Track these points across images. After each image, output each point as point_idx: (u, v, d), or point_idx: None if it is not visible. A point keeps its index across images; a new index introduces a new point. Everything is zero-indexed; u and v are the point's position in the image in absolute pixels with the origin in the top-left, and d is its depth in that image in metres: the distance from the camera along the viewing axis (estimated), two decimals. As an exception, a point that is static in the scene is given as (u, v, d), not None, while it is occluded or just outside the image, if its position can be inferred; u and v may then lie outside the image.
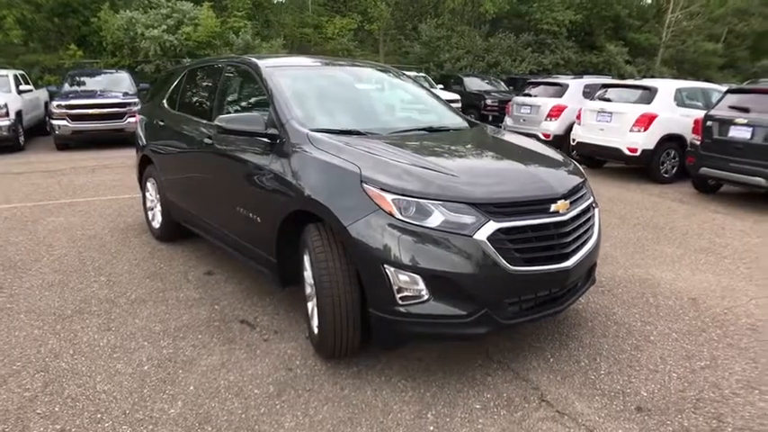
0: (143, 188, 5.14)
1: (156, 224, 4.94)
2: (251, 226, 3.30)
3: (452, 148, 3.18)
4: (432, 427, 2.36)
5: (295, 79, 3.53)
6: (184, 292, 3.79)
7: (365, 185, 2.53)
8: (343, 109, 3.52)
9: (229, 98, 3.86)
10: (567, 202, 2.78)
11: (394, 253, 2.42)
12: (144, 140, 4.98)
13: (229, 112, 3.77)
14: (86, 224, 5.47)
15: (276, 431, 2.31)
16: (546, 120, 9.88)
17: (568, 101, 9.78)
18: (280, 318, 3.40)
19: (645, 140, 7.75)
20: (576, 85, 10.09)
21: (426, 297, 2.45)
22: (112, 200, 6.57)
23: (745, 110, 6.32)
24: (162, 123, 4.58)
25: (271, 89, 3.34)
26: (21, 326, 3.27)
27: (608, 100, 8.49)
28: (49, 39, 15.29)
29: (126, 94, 11.33)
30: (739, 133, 6.22)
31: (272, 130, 3.13)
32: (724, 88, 7.91)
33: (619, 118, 8.07)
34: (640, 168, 8.37)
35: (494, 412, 2.48)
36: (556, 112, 9.74)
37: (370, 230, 2.46)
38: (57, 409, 2.46)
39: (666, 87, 8.09)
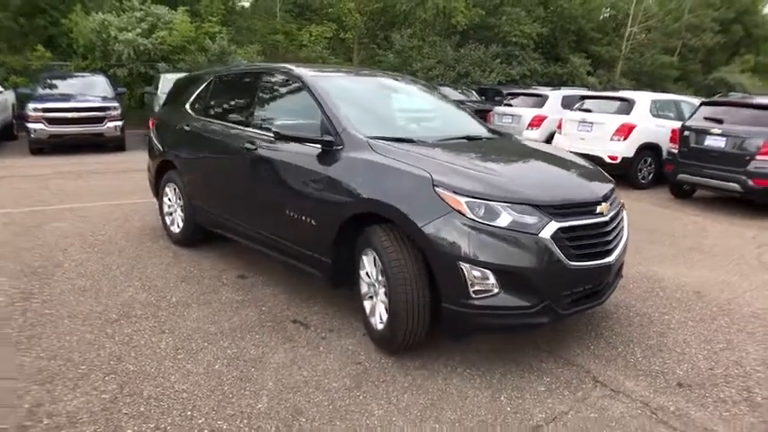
0: (160, 194, 5.14)
1: (176, 229, 4.96)
2: (303, 229, 3.42)
3: (498, 154, 3.43)
4: (508, 408, 2.58)
5: (339, 88, 3.69)
6: (225, 295, 3.86)
7: (437, 189, 2.73)
8: (387, 117, 3.71)
9: (270, 105, 3.97)
10: (608, 204, 3.08)
11: (469, 250, 2.62)
12: (163, 146, 4.99)
13: (265, 120, 3.90)
14: (95, 230, 5.40)
15: (368, 419, 2.47)
16: (527, 129, 10.34)
17: (548, 111, 10.29)
18: (329, 317, 3.53)
19: (624, 149, 8.28)
20: (555, 95, 10.62)
21: (496, 291, 2.66)
22: (114, 205, 6.48)
23: (719, 121, 6.90)
24: (188, 128, 4.63)
25: (320, 98, 3.48)
26: (69, 330, 3.27)
27: (588, 110, 9.00)
28: (13, 39, 14.68)
29: (105, 98, 11.08)
30: (715, 142, 6.79)
31: (327, 137, 3.29)
32: (693, 100, 8.54)
33: (599, 128, 8.58)
34: (619, 175, 8.87)
35: (558, 393, 2.72)
36: (537, 122, 10.22)
37: (446, 230, 2.66)
38: (142, 409, 2.52)
39: (643, 99, 8.68)
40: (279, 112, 3.86)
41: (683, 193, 7.80)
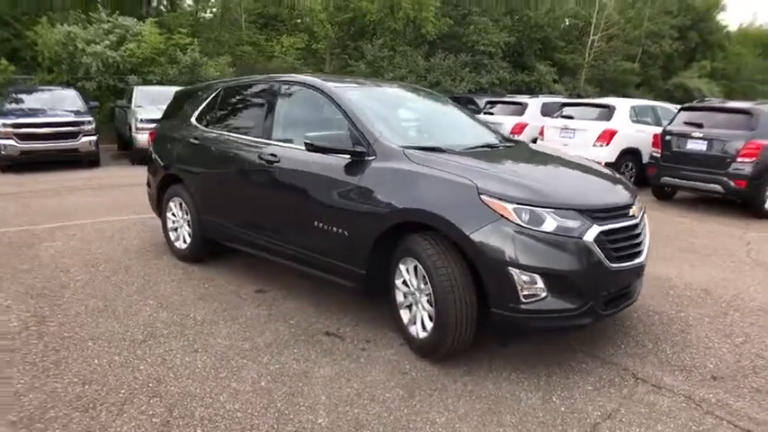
0: (163, 209, 5.01)
1: (182, 245, 4.84)
2: (334, 240, 3.40)
3: (526, 161, 3.51)
4: (563, 408, 2.63)
5: (362, 99, 3.70)
6: (249, 311, 3.79)
7: (483, 197, 2.78)
8: (411, 126, 3.74)
9: (290, 117, 3.95)
10: (636, 206, 3.20)
11: (518, 256, 2.68)
12: (167, 160, 4.87)
13: (286, 131, 3.89)
14: (92, 248, 5.21)
15: (431, 427, 2.47)
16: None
17: (529, 118, 10.56)
18: (361, 328, 3.51)
19: (607, 154, 8.58)
20: (534, 103, 10.92)
21: (544, 295, 2.72)
22: (103, 222, 6.27)
23: (699, 125, 7.25)
24: (196, 142, 4.54)
25: (347, 109, 3.48)
26: (96, 353, 3.15)
27: (570, 117, 9.29)
28: (-28, 52, 14.08)
29: (78, 112, 10.74)
30: (696, 146, 7.12)
31: (359, 148, 3.29)
32: (669, 106, 8.93)
33: (582, 134, 8.87)
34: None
35: (605, 391, 2.80)
36: (518, 129, 10.47)
37: (494, 237, 2.70)
38: (199, 431, 2.45)
39: (623, 105, 9.03)
40: (301, 123, 3.83)
41: (665, 195, 8.13)
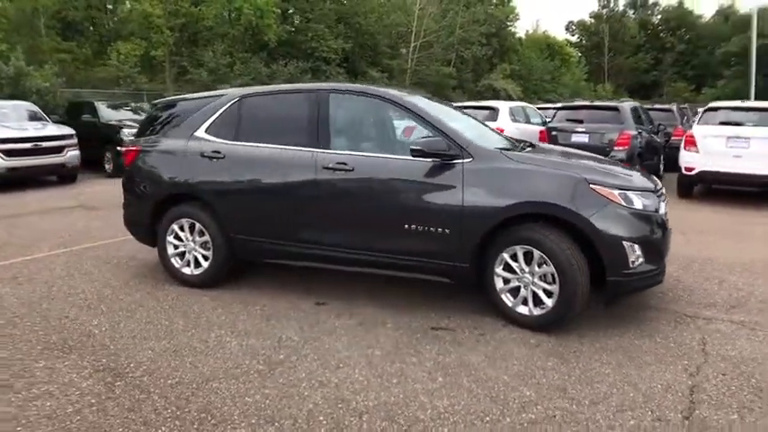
0: (162, 234, 4.47)
1: (192, 270, 4.42)
2: (431, 240, 3.61)
3: (578, 157, 4.16)
4: (672, 345, 3.36)
5: (429, 107, 3.96)
6: (336, 323, 3.74)
7: (593, 186, 3.35)
8: (474, 132, 4.12)
9: (353, 126, 4.00)
10: (658, 187, 4.12)
11: (628, 231, 3.33)
12: (168, 179, 4.38)
13: (355, 140, 3.98)
14: (65, 289, 4.42)
15: (608, 377, 2.95)
16: (400, 138, 11.36)
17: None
18: (457, 319, 3.76)
19: (499, 149, 9.90)
20: (419, 107, 11.87)
21: (642, 260, 3.41)
22: (37, 260, 5.26)
23: (580, 121, 8.90)
24: (219, 155, 4.20)
25: (428, 117, 3.75)
26: (236, 392, 2.87)
27: (460, 119, 10.42)
28: None
29: None
30: (579, 138, 8.75)
31: (452, 151, 3.58)
32: (533, 107, 10.64)
33: (474, 133, 10.04)
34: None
35: (682, 327, 3.61)
36: (408, 133, 11.27)
37: (610, 218, 3.31)
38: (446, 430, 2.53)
39: (504, 107, 10.48)
40: (371, 131, 3.93)
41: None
